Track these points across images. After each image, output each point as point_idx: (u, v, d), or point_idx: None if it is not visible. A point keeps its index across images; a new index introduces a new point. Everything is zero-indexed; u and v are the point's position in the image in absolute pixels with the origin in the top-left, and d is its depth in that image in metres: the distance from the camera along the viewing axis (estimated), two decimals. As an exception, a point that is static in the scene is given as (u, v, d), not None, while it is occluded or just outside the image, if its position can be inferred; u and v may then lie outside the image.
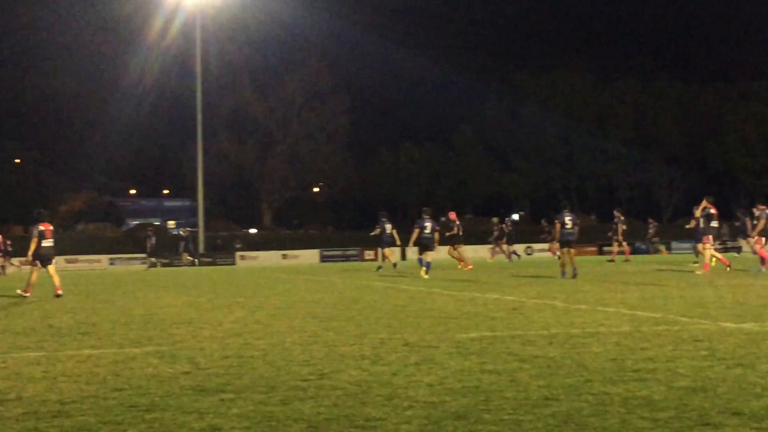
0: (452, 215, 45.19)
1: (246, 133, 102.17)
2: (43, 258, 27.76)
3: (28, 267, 28.44)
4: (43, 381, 10.78)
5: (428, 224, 36.38)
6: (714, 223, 34.65)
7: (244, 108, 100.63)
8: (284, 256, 68.36)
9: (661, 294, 22.50)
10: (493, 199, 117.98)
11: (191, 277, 43.17)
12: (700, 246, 36.07)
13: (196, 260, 62.11)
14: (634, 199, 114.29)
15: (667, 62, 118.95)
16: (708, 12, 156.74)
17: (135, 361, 12.25)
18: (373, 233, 45.53)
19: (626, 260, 49.76)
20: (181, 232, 63.05)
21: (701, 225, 35.31)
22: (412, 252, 52.55)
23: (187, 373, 11.14)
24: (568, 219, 32.71)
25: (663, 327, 14.99)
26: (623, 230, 50.22)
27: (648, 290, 24.02)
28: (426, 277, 34.67)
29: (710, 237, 34.38)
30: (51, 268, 27.88)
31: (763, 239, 34.26)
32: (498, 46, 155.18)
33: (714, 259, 35.66)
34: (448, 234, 44.28)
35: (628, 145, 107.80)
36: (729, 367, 10.72)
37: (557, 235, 32.98)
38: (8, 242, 51.01)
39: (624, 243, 50.95)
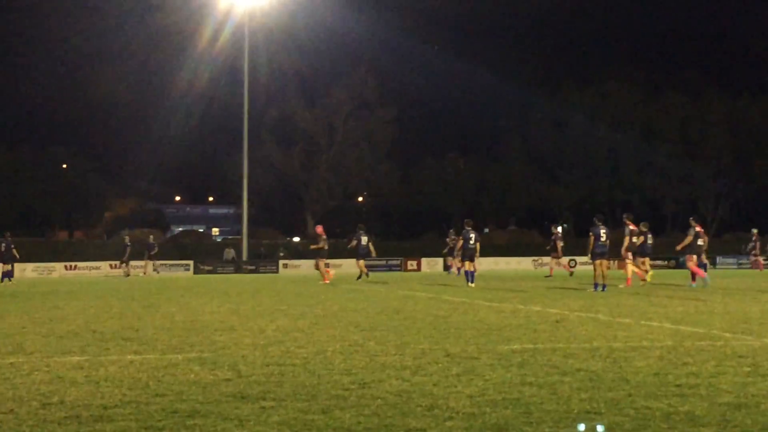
0: (319, 229, 45.33)
1: (291, 141, 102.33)
2: None
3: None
4: (85, 385, 10.86)
5: (473, 235, 36.66)
6: (700, 241, 35.64)
7: (290, 116, 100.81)
8: (327, 265, 68.39)
9: (705, 309, 22.35)
10: (536, 212, 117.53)
11: (235, 284, 43.32)
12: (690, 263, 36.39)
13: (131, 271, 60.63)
14: (680, 212, 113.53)
15: (715, 76, 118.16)
16: (757, 26, 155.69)
17: (177, 367, 12.32)
18: (349, 246, 45.71)
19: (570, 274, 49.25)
20: (126, 239, 61.97)
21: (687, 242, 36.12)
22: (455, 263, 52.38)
23: (228, 380, 11.19)
24: (602, 232, 32.85)
25: (706, 342, 14.90)
26: (562, 246, 49.99)
27: (691, 305, 23.86)
28: (471, 285, 35.03)
29: (693, 256, 35.43)
30: None
31: (695, 256, 35.60)
32: (546, 57, 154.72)
33: (649, 274, 37.09)
34: (313, 247, 44.84)
35: (674, 159, 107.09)
36: (772, 384, 10.64)
37: (591, 247, 32.94)
38: (12, 246, 51.36)
39: (563, 259, 50.50)
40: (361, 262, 44.95)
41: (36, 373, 11.95)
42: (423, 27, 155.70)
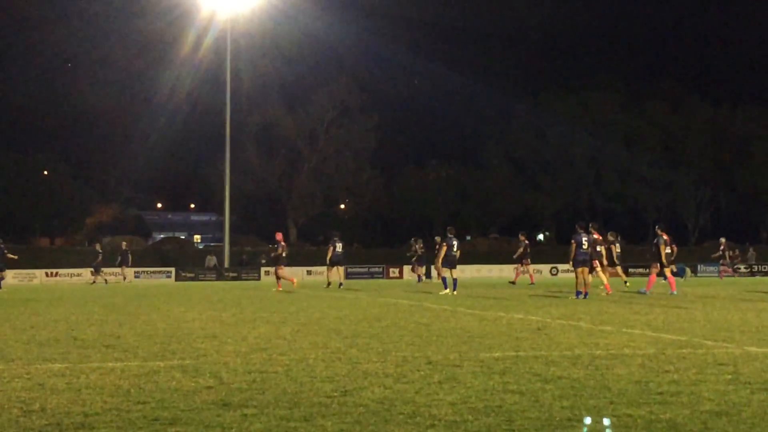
0: (278, 236, 45.52)
1: (274, 149, 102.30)
2: None
3: None
4: (66, 392, 10.83)
5: (455, 242, 36.71)
6: (668, 249, 35.91)
7: (272, 123, 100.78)
8: (309, 272, 68.27)
9: (686, 316, 22.42)
10: (519, 219, 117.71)
11: (216, 291, 43.25)
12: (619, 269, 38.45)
13: (97, 279, 60.24)
14: (661, 220, 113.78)
15: (696, 84, 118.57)
16: (738, 35, 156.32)
17: (158, 375, 12.29)
18: (329, 256, 45.73)
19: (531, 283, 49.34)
20: (97, 247, 61.65)
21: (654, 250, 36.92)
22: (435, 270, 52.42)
23: (210, 387, 11.17)
24: (584, 239, 32.99)
25: (687, 350, 14.94)
26: (526, 253, 50.18)
27: (673, 312, 23.93)
28: (454, 293, 35.08)
29: (657, 264, 35.96)
30: None
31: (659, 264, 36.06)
32: (527, 65, 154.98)
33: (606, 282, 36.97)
34: (273, 255, 45.13)
35: (656, 167, 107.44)
36: (753, 392, 10.68)
37: (573, 255, 33.02)
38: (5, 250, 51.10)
39: (529, 266, 50.65)
40: (333, 269, 45.11)
41: (17, 380, 11.91)
42: (405, 34, 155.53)
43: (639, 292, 35.06)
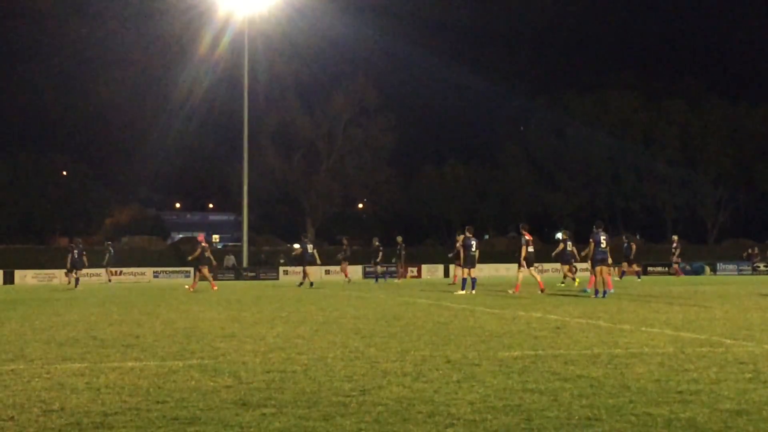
0: (200, 237, 45.93)
1: (291, 148, 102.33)
2: None
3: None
4: (86, 392, 10.85)
5: (474, 242, 36.69)
6: (603, 245, 35.06)
7: (290, 123, 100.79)
8: (327, 272, 68.33)
9: (705, 315, 22.34)
10: (536, 218, 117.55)
11: (235, 291, 43.30)
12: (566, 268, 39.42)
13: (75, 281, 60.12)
14: (680, 219, 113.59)
15: (714, 82, 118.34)
16: (756, 33, 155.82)
17: (177, 374, 12.31)
18: (294, 253, 46.82)
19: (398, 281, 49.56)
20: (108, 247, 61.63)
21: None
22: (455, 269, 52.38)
23: (229, 386, 11.18)
24: (603, 238, 32.85)
25: (707, 348, 14.88)
26: (404, 255, 50.20)
27: (692, 311, 23.85)
28: (472, 292, 35.12)
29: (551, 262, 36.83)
30: None
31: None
32: (545, 64, 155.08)
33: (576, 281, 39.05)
34: (190, 258, 45.72)
35: (674, 166, 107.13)
36: (774, 391, 10.63)
37: (591, 254, 32.97)
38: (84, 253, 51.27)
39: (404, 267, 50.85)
40: (308, 268, 46.60)
41: (36, 380, 11.94)
42: (423, 34, 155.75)
43: (605, 293, 34.79)
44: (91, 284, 56.27)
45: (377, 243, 55.29)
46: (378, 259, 55.01)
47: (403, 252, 55.90)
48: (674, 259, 61.42)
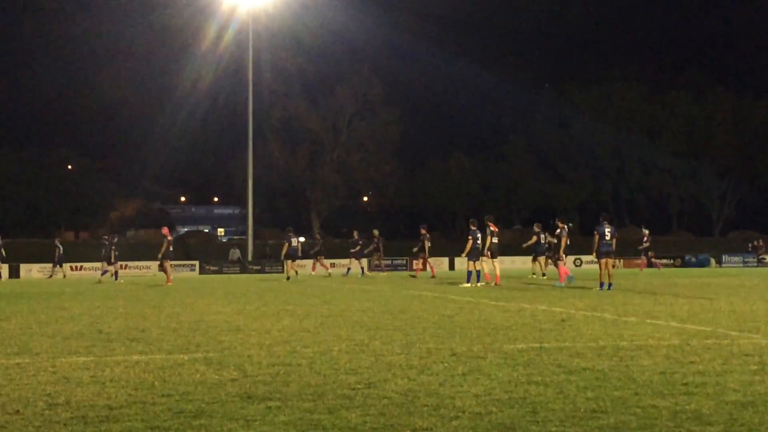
0: (164, 230, 45.92)
1: (296, 142, 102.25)
2: None
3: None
4: (91, 386, 10.86)
5: (479, 235, 36.81)
6: (607, 238, 35.03)
7: (294, 116, 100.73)
8: (332, 265, 68.32)
9: (710, 307, 22.33)
10: (541, 210, 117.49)
11: (240, 284, 43.33)
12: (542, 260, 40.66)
13: (53, 275, 60.34)
14: (686, 211, 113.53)
15: (719, 74, 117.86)
16: (761, 24, 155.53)
17: (183, 368, 12.31)
18: (284, 252, 47.47)
19: (432, 276, 49.45)
20: (57, 243, 61.70)
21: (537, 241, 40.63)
22: (460, 262, 52.35)
23: (234, 380, 11.18)
24: (607, 231, 32.83)
25: (712, 341, 14.88)
26: (429, 247, 50.17)
27: (697, 303, 23.84)
28: (477, 285, 35.21)
29: (563, 255, 37.14)
30: None
31: (564, 255, 37.25)
32: (550, 56, 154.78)
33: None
34: (160, 255, 45.50)
35: (679, 158, 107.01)
36: (779, 382, 10.63)
37: (596, 246, 32.96)
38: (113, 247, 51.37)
39: (429, 260, 50.81)
40: (290, 262, 47.74)
41: (42, 373, 11.95)
42: (427, 27, 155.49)
43: (554, 286, 35.08)
44: (96, 278, 56.27)
45: (356, 235, 55.39)
46: (355, 250, 55.02)
47: (381, 245, 55.76)
48: (643, 249, 60.66)
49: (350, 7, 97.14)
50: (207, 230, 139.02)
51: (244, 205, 80.00)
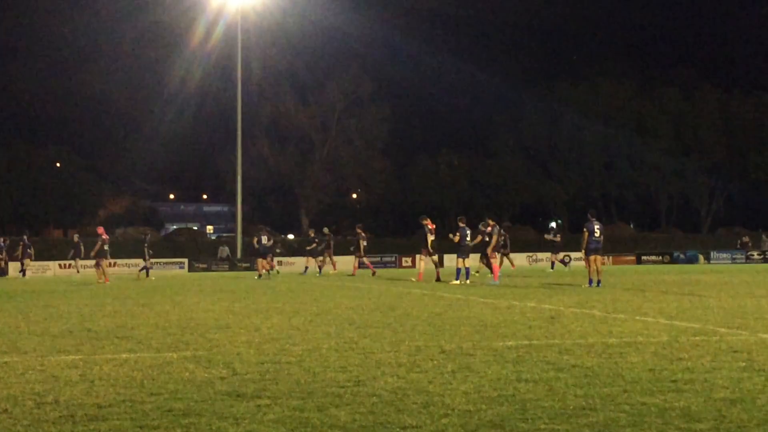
0: (100, 230, 46.34)
1: (285, 139, 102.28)
2: None
3: None
4: (80, 384, 10.84)
5: (468, 232, 36.90)
6: (596, 234, 34.62)
7: (283, 114, 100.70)
8: (321, 261, 68.32)
9: (699, 304, 22.37)
10: (531, 207, 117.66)
11: (229, 282, 43.31)
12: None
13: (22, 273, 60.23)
14: (674, 208, 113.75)
15: (708, 71, 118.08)
16: (749, 21, 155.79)
17: (172, 366, 12.30)
18: (256, 247, 48.07)
19: (353, 275, 49.70)
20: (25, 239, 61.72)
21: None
22: (448, 259, 52.36)
23: (223, 378, 11.18)
24: (596, 227, 32.85)
25: (701, 337, 14.90)
26: (365, 246, 50.44)
27: (686, 300, 23.89)
28: (466, 282, 35.29)
29: (496, 253, 38.50)
30: None
31: (497, 254, 38.53)
32: (538, 53, 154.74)
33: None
34: (92, 254, 46.14)
35: (668, 154, 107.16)
36: (768, 379, 10.65)
37: (585, 243, 32.97)
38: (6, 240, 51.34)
39: (365, 258, 51.10)
40: (261, 260, 47.87)
41: (30, 372, 11.93)
42: (416, 24, 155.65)
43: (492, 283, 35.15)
44: (84, 275, 56.16)
45: (327, 232, 55.76)
46: (311, 248, 55.25)
47: (332, 242, 55.77)
48: (555, 250, 58.57)
49: (339, 5, 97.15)
50: (196, 228, 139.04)
51: (234, 203, 79.86)
